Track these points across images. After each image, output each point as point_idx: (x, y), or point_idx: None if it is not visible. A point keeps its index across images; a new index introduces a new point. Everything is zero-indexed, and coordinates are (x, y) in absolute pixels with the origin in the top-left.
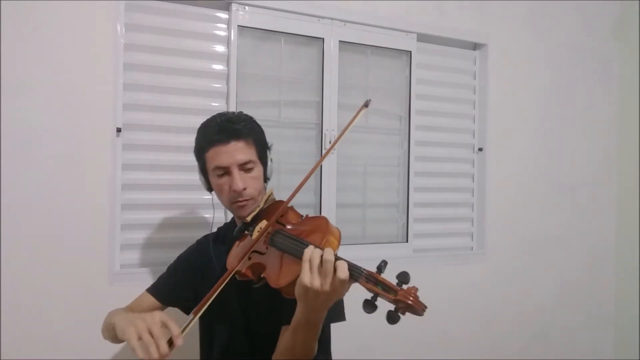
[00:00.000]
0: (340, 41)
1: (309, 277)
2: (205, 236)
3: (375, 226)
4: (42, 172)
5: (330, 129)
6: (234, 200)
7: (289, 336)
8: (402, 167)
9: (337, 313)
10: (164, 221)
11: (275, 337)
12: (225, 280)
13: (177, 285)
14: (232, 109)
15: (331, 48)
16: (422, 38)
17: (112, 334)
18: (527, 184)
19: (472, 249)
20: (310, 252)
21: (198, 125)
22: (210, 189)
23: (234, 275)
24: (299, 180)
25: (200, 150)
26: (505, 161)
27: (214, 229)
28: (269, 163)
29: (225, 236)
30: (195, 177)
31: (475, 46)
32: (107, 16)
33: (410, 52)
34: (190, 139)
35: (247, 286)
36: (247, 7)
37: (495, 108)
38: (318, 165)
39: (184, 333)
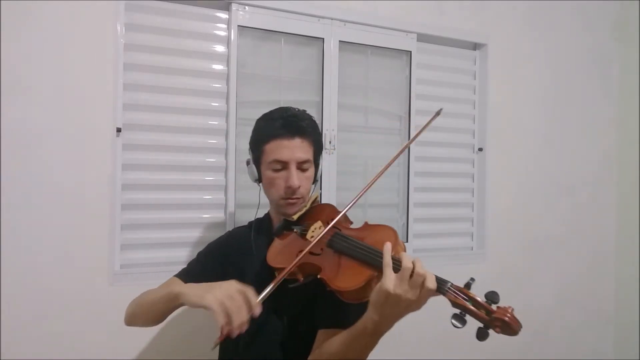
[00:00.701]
0: (340, 41)
1: (393, 283)
2: (238, 227)
3: None
4: (42, 172)
5: (331, 129)
6: (286, 196)
7: (344, 341)
8: (402, 167)
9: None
10: (164, 221)
11: (307, 338)
12: (282, 277)
13: (206, 273)
14: (232, 108)
15: (331, 48)
16: (422, 38)
17: (162, 307)
18: (527, 184)
19: (472, 249)
20: (397, 259)
21: (198, 125)
22: (259, 180)
23: (273, 271)
24: None
25: (260, 141)
26: (505, 161)
27: (251, 220)
28: (320, 165)
29: (260, 230)
30: (195, 177)
31: (475, 46)
32: (107, 16)
33: (410, 52)
34: (191, 139)
35: (282, 285)
36: (247, 7)
37: (495, 108)
38: (386, 168)
39: (262, 301)
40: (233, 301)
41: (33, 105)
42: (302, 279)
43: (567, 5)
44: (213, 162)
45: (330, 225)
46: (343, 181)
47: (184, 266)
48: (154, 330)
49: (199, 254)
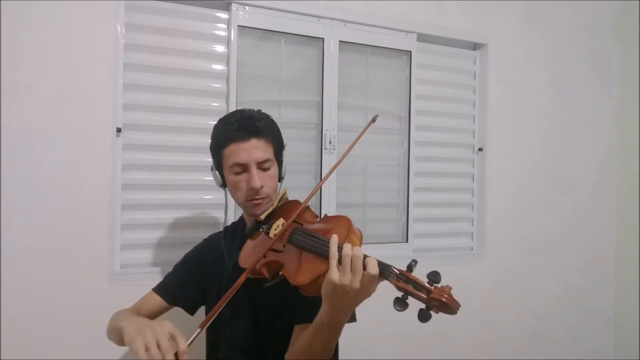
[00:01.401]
0: (340, 41)
1: (338, 274)
2: (213, 234)
3: (375, 226)
4: (42, 172)
5: (330, 129)
6: (250, 198)
7: (308, 336)
8: (402, 167)
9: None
10: (164, 221)
11: (286, 335)
12: (240, 282)
13: (184, 285)
14: (232, 108)
15: (331, 48)
16: (422, 38)
17: (118, 337)
18: (527, 184)
19: (472, 249)
20: (337, 249)
21: (198, 125)
22: (224, 185)
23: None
24: (299, 180)
25: (218, 146)
26: (505, 161)
27: (225, 226)
28: (283, 162)
29: (234, 234)
30: (195, 177)
31: (475, 46)
32: (107, 16)
33: (410, 52)
34: (191, 139)
35: (258, 284)
36: (247, 7)
37: (495, 108)
38: (333, 170)
39: (190, 346)
40: (160, 347)
41: (33, 105)
42: (269, 277)
43: (567, 5)
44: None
45: (289, 221)
46: (343, 181)
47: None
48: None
49: (175, 266)
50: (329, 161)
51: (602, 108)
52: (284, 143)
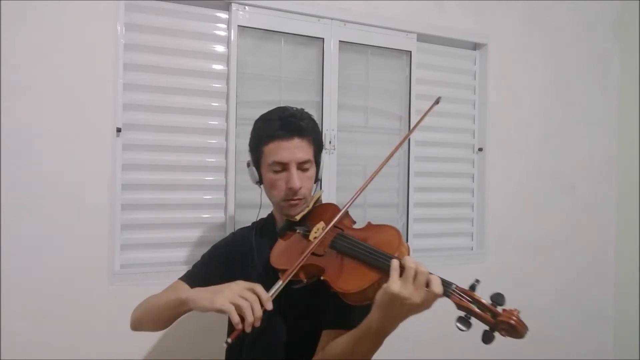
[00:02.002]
0: (340, 41)
1: (399, 285)
2: (242, 229)
3: None
4: (42, 172)
5: (331, 129)
6: (287, 198)
7: (350, 341)
8: (402, 167)
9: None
10: (164, 221)
11: (312, 338)
12: (290, 274)
13: (211, 275)
14: (232, 108)
15: (331, 48)
16: (422, 38)
17: (164, 315)
18: (527, 184)
19: (472, 249)
20: (401, 263)
21: (198, 125)
22: (260, 182)
23: (276, 272)
24: None
25: (259, 143)
26: (505, 161)
27: (254, 222)
28: (321, 164)
29: (263, 231)
30: (195, 177)
31: (475, 46)
32: (107, 16)
33: (410, 52)
34: (191, 139)
35: (286, 286)
36: (247, 7)
37: (495, 108)
38: (382, 166)
39: (273, 298)
40: (244, 299)
41: (33, 106)
42: (305, 280)
43: (567, 5)
44: (213, 162)
45: (331, 225)
46: (343, 181)
47: (185, 266)
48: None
49: (204, 256)
50: (329, 161)
51: (602, 108)
52: (324, 144)
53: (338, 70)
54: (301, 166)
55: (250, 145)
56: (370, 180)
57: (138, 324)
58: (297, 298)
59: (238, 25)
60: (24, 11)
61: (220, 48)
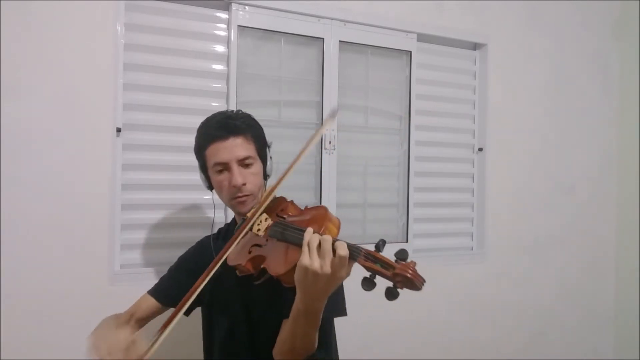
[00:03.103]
0: (340, 41)
1: (308, 258)
2: (207, 236)
3: (375, 226)
4: (42, 172)
5: (330, 129)
6: (233, 196)
7: (288, 327)
8: (402, 167)
9: (337, 306)
10: (164, 221)
11: (277, 332)
12: (212, 270)
13: (177, 287)
14: (232, 108)
15: (331, 48)
16: (422, 38)
17: None
18: (527, 184)
19: (472, 249)
20: (309, 235)
21: (198, 125)
22: (210, 187)
23: (235, 271)
24: (299, 180)
25: (200, 148)
26: (505, 161)
27: (215, 229)
28: (268, 160)
29: (226, 235)
30: (195, 176)
31: (475, 46)
32: (107, 16)
33: (410, 52)
34: (190, 139)
35: (248, 282)
36: (247, 7)
37: (495, 108)
38: (301, 154)
39: (151, 351)
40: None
41: (33, 106)
42: (255, 273)
43: (567, 5)
44: None
45: (260, 212)
46: (343, 181)
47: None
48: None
49: (170, 269)
50: (329, 161)
51: (602, 107)
52: (269, 141)
53: (338, 70)
54: (242, 163)
55: (194, 152)
56: (286, 174)
57: None
58: (259, 293)
59: (238, 25)
60: (24, 11)
61: (220, 48)
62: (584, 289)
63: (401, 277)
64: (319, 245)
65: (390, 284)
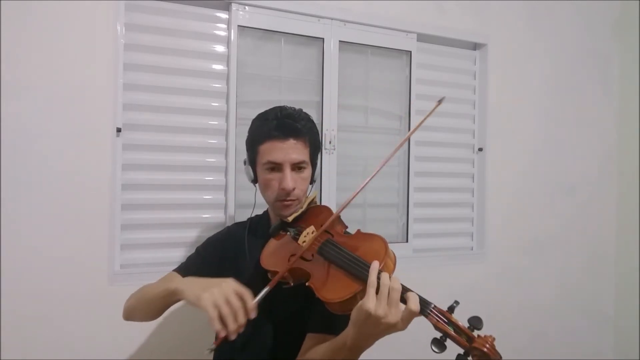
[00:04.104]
0: (340, 41)
1: (374, 304)
2: (237, 224)
3: (375, 226)
4: (42, 172)
5: (330, 129)
6: (280, 198)
7: (325, 353)
8: (402, 167)
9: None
10: (164, 221)
11: (298, 339)
12: (277, 280)
13: (204, 267)
14: (232, 108)
15: (331, 48)
16: (422, 38)
17: (158, 304)
18: (527, 184)
19: (472, 249)
20: (376, 276)
21: (198, 125)
22: (255, 181)
23: (265, 273)
24: None
25: (255, 142)
26: (505, 161)
27: (250, 218)
28: (317, 165)
29: (257, 229)
30: (195, 177)
31: (475, 46)
32: (107, 16)
33: (410, 52)
34: (191, 139)
35: (275, 286)
36: (247, 7)
37: (495, 108)
38: (379, 169)
39: (258, 304)
40: (229, 305)
41: (33, 105)
42: (292, 283)
43: (567, 5)
44: (213, 162)
45: (320, 231)
46: (343, 181)
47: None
48: (154, 330)
49: (198, 249)
50: (329, 161)
51: (602, 108)
52: (321, 146)
53: (338, 70)
54: (296, 167)
55: (246, 143)
56: (365, 185)
57: (130, 313)
58: (287, 299)
59: (238, 25)
60: (24, 11)
61: (220, 48)
62: (584, 289)
63: (479, 351)
64: (388, 293)
65: (461, 350)
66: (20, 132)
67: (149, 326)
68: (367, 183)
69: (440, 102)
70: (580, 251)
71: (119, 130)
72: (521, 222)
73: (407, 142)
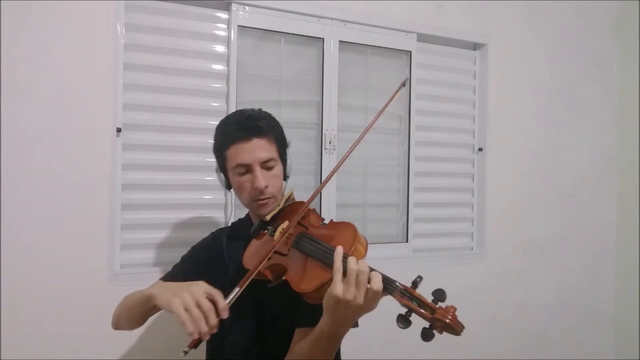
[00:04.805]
0: (340, 41)
1: (342, 289)
2: (221, 229)
3: (375, 226)
4: (42, 172)
5: (330, 129)
6: (255, 199)
7: (307, 344)
8: (402, 167)
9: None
10: (164, 221)
11: (287, 336)
12: (248, 278)
13: (189, 276)
14: (232, 108)
15: (331, 48)
16: (422, 38)
17: (139, 311)
18: (527, 184)
19: (472, 249)
20: (341, 260)
21: (198, 125)
22: (229, 187)
23: (245, 270)
24: (299, 180)
25: (221, 148)
26: (505, 161)
27: (232, 222)
28: (288, 161)
29: (240, 232)
30: (195, 177)
31: (475, 46)
32: (107, 16)
33: (410, 52)
34: (191, 139)
35: (260, 285)
36: (247, 7)
37: (495, 108)
38: (341, 164)
39: (230, 304)
40: (199, 307)
41: (33, 105)
42: (273, 280)
43: (567, 6)
44: (213, 162)
45: (291, 224)
46: (343, 181)
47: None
48: (154, 330)
49: (183, 257)
50: (329, 161)
51: (602, 108)
52: (288, 141)
53: (338, 70)
54: (265, 165)
55: (213, 151)
56: (329, 179)
57: (117, 322)
58: (274, 297)
59: (238, 25)
60: (24, 11)
61: (220, 48)
62: (584, 289)
63: (441, 322)
64: (357, 277)
65: (426, 324)
66: (20, 132)
67: (149, 326)
68: (333, 173)
69: (403, 84)
70: (580, 251)
71: (119, 130)
72: (521, 222)
73: (407, 142)
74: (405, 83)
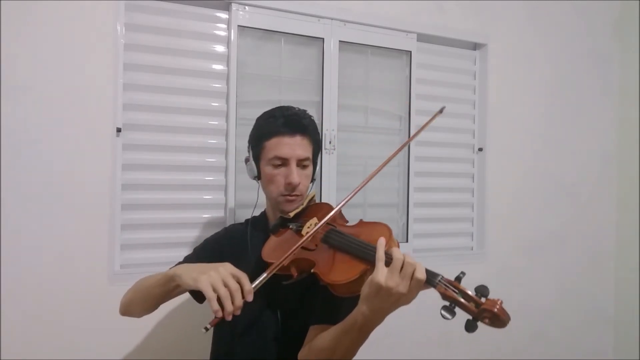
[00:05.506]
0: (340, 41)
1: (384, 276)
2: (234, 224)
3: None
4: (42, 172)
5: (330, 129)
6: (285, 193)
7: (334, 336)
8: (402, 167)
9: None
10: (164, 221)
11: (301, 334)
12: (277, 267)
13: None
14: (232, 108)
15: (331, 48)
16: (422, 38)
17: (154, 293)
18: (527, 184)
19: (472, 249)
20: (383, 250)
21: (198, 125)
22: (257, 177)
23: (267, 267)
24: None
25: (261, 138)
26: (505, 161)
27: (254, 214)
28: (317, 165)
29: (256, 227)
30: (195, 177)
31: (475, 46)
32: (107, 16)
33: (410, 52)
34: (191, 139)
35: (276, 281)
36: (247, 7)
37: (495, 108)
38: (383, 166)
39: (256, 290)
40: (226, 286)
41: (33, 105)
42: (296, 274)
43: (567, 5)
44: (213, 162)
45: (325, 220)
46: (343, 181)
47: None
48: (154, 330)
49: (196, 249)
50: (329, 161)
51: (602, 108)
52: (322, 145)
53: (338, 70)
54: (300, 163)
55: (251, 140)
56: (366, 182)
57: (128, 307)
58: (287, 294)
59: (238, 25)
60: (24, 11)
61: (220, 48)
62: (584, 288)
63: (489, 312)
64: (402, 266)
65: (470, 317)
66: (20, 132)
67: (149, 326)
68: (368, 180)
69: (441, 111)
70: (580, 251)
71: (119, 130)
72: (521, 222)
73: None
74: (443, 110)
